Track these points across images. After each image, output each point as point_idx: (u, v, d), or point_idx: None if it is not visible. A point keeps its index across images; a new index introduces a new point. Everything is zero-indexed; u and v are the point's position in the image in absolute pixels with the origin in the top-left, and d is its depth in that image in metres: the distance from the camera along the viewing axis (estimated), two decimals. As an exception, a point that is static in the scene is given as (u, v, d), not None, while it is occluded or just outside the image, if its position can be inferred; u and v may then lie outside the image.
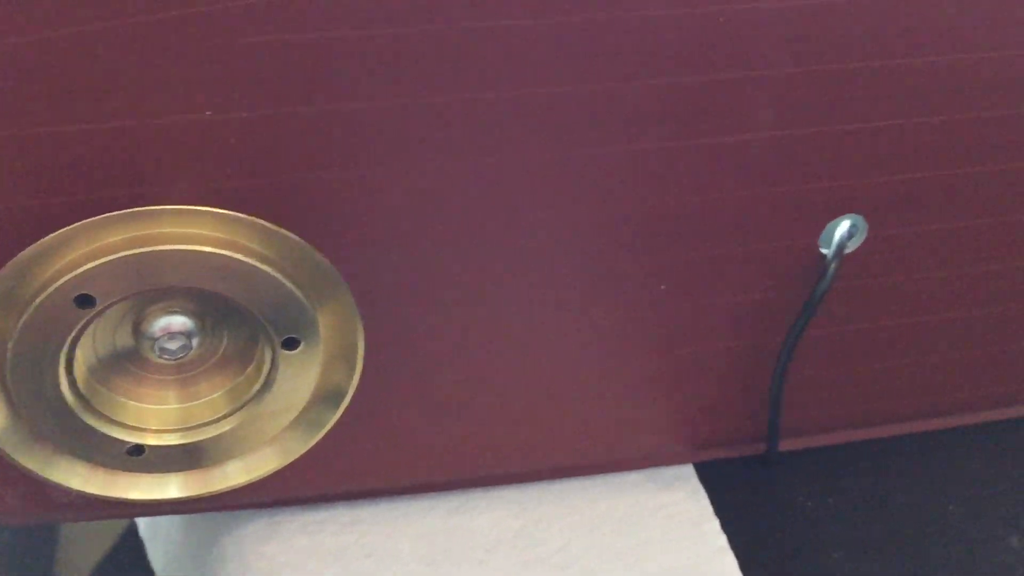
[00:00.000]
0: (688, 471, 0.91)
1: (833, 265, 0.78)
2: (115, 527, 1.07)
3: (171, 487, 0.68)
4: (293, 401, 0.64)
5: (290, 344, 0.62)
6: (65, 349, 0.60)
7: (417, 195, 0.64)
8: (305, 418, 0.66)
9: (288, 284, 0.59)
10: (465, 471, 0.86)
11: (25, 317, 0.57)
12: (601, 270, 0.76)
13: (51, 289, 0.57)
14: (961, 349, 0.88)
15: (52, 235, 0.58)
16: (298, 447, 0.68)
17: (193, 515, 0.86)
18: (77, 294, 0.57)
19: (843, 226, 0.77)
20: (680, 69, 0.66)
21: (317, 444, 0.70)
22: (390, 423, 0.78)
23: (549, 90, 0.65)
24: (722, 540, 0.85)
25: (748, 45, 0.65)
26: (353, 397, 0.69)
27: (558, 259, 0.74)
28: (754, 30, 0.64)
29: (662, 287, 0.77)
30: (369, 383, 0.70)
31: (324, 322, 0.63)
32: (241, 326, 0.64)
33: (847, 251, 0.79)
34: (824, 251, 0.78)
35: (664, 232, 0.74)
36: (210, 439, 0.66)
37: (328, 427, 0.67)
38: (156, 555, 0.99)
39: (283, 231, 0.59)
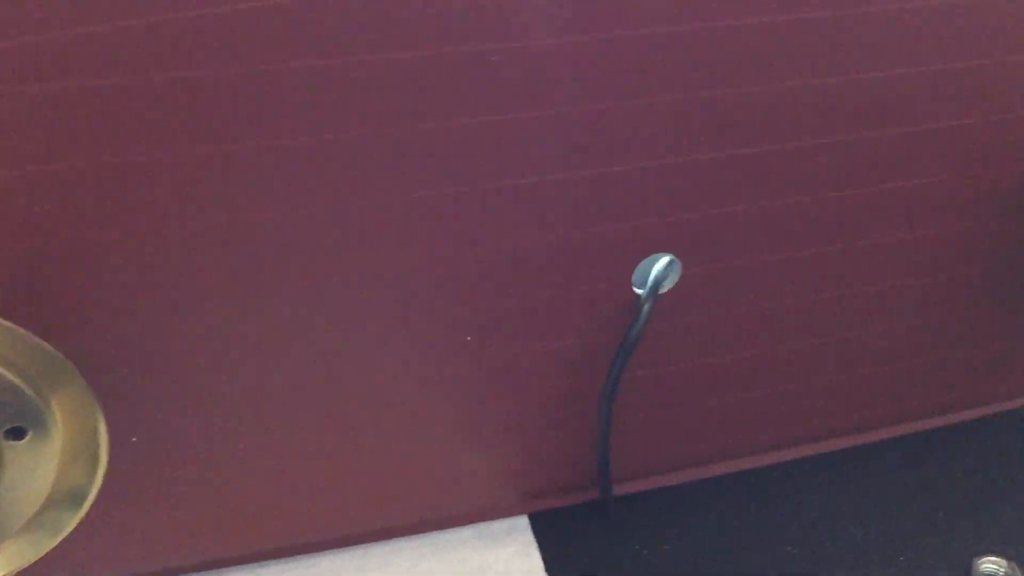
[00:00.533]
0: (522, 523, 0.87)
1: (647, 305, 0.74)
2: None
3: None
4: (25, 501, 0.57)
5: (16, 434, 0.55)
6: None
7: (155, 263, 0.58)
8: (40, 520, 0.59)
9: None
10: (276, 541, 0.80)
11: None
12: (401, 324, 0.70)
13: None
14: (788, 382, 0.85)
15: None
16: (28, 554, 0.60)
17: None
18: None
19: (656, 265, 0.74)
20: (457, 110, 0.61)
21: (84, 527, 0.63)
22: (175, 498, 0.71)
23: (319, 138, 0.60)
24: (551, 598, 0.80)
25: (528, 83, 0.61)
26: (121, 477, 0.62)
27: (350, 314, 0.68)
28: (533, 67, 0.60)
29: (467, 338, 0.72)
30: (137, 462, 0.64)
31: (59, 410, 0.56)
32: None
33: (663, 290, 0.75)
34: (638, 291, 0.75)
35: (465, 281, 0.70)
36: None
37: (68, 530, 0.60)
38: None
39: (-13, 314, 0.52)
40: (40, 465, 0.56)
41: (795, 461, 0.90)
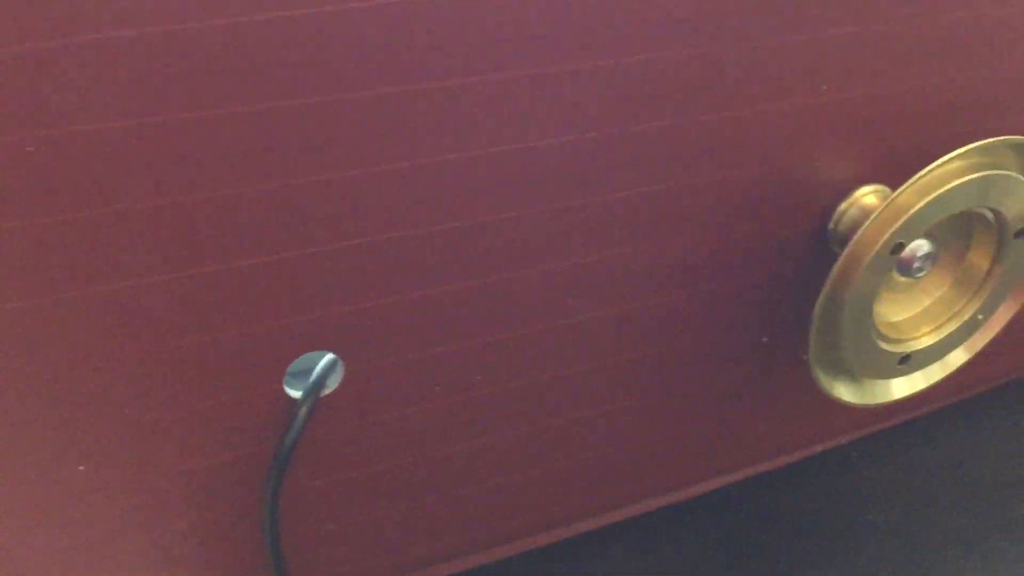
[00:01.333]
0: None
1: (304, 409, 0.67)
2: None
3: None
4: None
5: None
6: None
7: None
8: None
9: None
10: None
11: None
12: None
13: None
14: (491, 476, 0.79)
15: None
16: None
17: None
18: None
19: (314, 365, 0.67)
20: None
21: None
22: None
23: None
24: None
25: (97, 174, 0.53)
26: None
27: None
28: (106, 158, 0.52)
29: (80, 468, 0.63)
30: None
31: None
32: None
33: (327, 391, 0.68)
34: (294, 394, 0.67)
35: (73, 402, 0.61)
36: None
37: None
38: None
39: None
40: None
41: (515, 556, 0.84)
